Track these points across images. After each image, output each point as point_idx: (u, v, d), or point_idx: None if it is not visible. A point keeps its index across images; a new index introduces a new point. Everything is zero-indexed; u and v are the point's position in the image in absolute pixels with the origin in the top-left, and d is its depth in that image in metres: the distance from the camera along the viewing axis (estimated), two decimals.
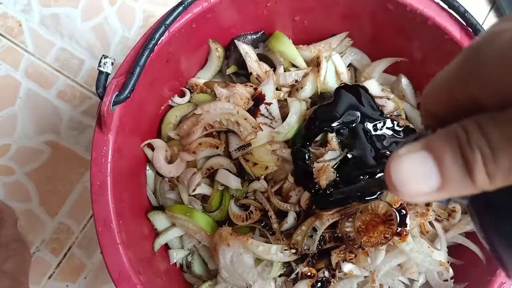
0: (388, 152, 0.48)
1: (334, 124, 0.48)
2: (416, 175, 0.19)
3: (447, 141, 0.18)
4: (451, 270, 0.49)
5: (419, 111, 0.20)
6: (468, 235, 0.51)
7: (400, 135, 0.50)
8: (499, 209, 0.20)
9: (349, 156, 0.47)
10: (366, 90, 0.51)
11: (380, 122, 0.49)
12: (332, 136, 0.48)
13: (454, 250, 0.51)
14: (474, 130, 0.18)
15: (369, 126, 0.49)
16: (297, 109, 0.50)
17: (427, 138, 0.19)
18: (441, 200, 0.20)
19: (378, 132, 0.49)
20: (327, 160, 0.47)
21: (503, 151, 0.17)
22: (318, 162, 0.48)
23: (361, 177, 0.46)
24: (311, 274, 0.48)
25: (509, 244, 0.20)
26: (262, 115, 0.51)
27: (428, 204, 0.48)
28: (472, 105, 0.19)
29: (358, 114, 0.48)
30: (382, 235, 0.45)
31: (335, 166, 0.47)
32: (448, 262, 0.50)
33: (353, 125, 0.48)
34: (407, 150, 0.19)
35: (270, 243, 0.49)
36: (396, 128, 0.50)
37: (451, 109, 0.20)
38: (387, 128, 0.50)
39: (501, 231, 0.20)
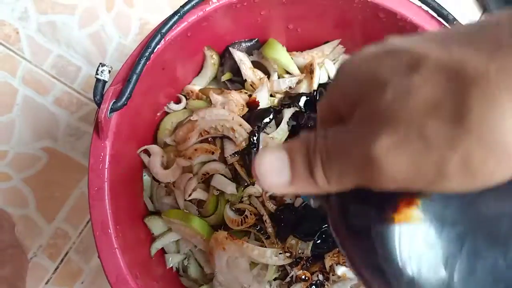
0: None
1: None
2: (272, 169, 0.22)
3: (301, 145, 0.21)
4: None
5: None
6: None
7: None
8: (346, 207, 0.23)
9: None
10: None
11: None
12: None
13: None
14: (320, 138, 0.21)
15: None
16: (290, 115, 0.51)
17: (290, 141, 0.22)
18: (294, 193, 0.22)
19: None
20: None
21: (335, 158, 0.20)
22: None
23: None
24: (305, 277, 0.49)
25: (356, 243, 0.22)
26: None
27: None
28: (338, 116, 0.22)
29: None
30: None
31: None
32: None
33: None
34: (270, 149, 0.23)
35: (265, 247, 0.49)
36: None
37: (330, 120, 0.23)
38: None
39: (349, 225, 0.23)
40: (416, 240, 0.20)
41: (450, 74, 0.17)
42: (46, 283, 0.66)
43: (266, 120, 0.50)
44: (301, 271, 0.48)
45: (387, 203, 0.20)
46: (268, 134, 0.51)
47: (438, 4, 0.47)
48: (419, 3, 0.48)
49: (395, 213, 0.20)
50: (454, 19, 0.47)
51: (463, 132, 0.16)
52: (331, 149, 0.20)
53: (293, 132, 0.51)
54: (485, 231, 0.20)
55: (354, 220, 0.22)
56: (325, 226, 0.48)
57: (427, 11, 0.48)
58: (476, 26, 0.18)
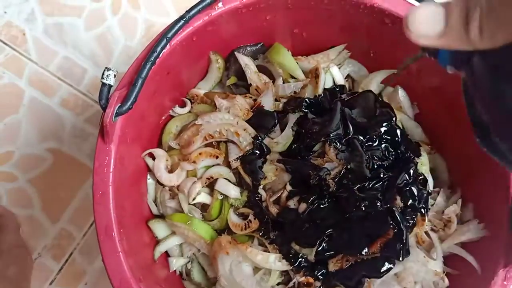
0: (382, 163, 0.49)
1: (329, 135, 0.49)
2: (427, 19, 0.23)
3: (461, 2, 0.22)
4: (446, 280, 0.50)
5: None
6: (464, 245, 0.51)
7: (396, 145, 0.51)
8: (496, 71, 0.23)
9: (348, 167, 0.48)
10: (367, 98, 0.52)
11: (376, 133, 0.50)
12: (329, 147, 0.49)
13: (449, 260, 0.52)
14: None
15: (362, 137, 0.50)
16: (294, 120, 0.51)
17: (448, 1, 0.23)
18: (441, 46, 0.23)
19: (374, 144, 0.50)
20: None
21: (497, 10, 0.20)
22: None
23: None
24: (308, 283, 0.48)
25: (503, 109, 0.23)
26: None
27: (423, 215, 0.49)
28: None
29: (351, 128, 0.49)
30: (378, 245, 0.46)
31: (336, 179, 0.48)
32: (444, 272, 0.50)
33: (348, 138, 0.49)
34: (429, 1, 0.24)
35: (269, 252, 0.49)
36: (394, 138, 0.51)
37: None
38: (384, 138, 0.51)
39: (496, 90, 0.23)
40: None
41: None
42: (50, 283, 0.66)
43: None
44: (304, 277, 0.48)
45: None
46: (272, 139, 0.51)
47: None
48: None
49: None
50: None
51: None
52: (494, 3, 0.20)
53: (297, 137, 0.51)
54: None
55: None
56: (330, 231, 0.48)
57: None
58: None
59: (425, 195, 0.50)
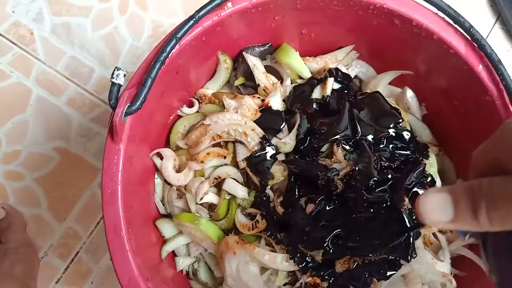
0: (390, 164, 0.49)
1: (336, 137, 0.49)
2: (438, 207, 0.25)
3: (466, 190, 0.25)
4: (454, 282, 0.50)
5: (470, 169, 0.29)
6: (472, 247, 0.51)
7: (404, 146, 0.51)
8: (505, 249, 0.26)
9: (356, 168, 0.48)
10: (375, 99, 0.52)
11: (384, 134, 0.50)
12: (337, 148, 0.49)
13: (457, 261, 0.52)
14: (485, 185, 0.24)
15: (371, 138, 0.50)
16: (302, 121, 0.51)
17: (453, 186, 0.26)
18: (452, 229, 0.26)
19: (382, 145, 0.50)
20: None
21: (501, 203, 0.23)
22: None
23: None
24: (315, 283, 0.48)
25: None
26: None
27: None
28: (499, 168, 0.25)
29: (359, 129, 0.49)
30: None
31: (344, 180, 0.48)
32: (451, 274, 0.50)
33: (356, 139, 0.49)
34: (436, 190, 0.26)
35: (276, 252, 0.49)
36: (402, 139, 0.51)
37: (488, 170, 0.26)
38: (392, 139, 0.51)
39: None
40: None
41: None
42: (57, 282, 0.67)
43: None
44: (311, 277, 0.48)
45: None
46: (280, 139, 0.51)
47: (455, 11, 0.47)
48: (435, 10, 0.48)
49: None
50: (471, 26, 0.47)
51: None
52: (497, 195, 0.23)
53: (305, 138, 0.51)
54: None
55: None
56: (337, 232, 0.48)
57: (443, 18, 0.48)
58: None
59: None
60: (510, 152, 0.24)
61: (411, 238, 0.47)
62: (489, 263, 0.27)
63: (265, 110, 0.52)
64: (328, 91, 0.53)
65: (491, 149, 0.26)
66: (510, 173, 0.24)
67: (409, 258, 0.47)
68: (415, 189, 0.49)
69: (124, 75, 0.43)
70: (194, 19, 0.46)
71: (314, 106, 0.52)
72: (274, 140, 0.52)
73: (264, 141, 0.50)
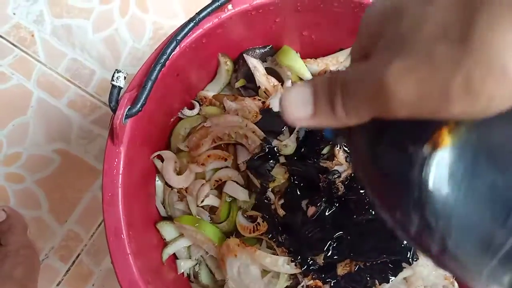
0: None
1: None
2: (297, 101, 0.23)
3: (325, 79, 0.23)
4: (456, 284, 0.50)
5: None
6: None
7: None
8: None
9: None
10: None
11: None
12: (338, 150, 0.49)
13: None
14: (342, 72, 0.22)
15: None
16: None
17: (315, 78, 0.23)
18: (316, 126, 0.24)
19: None
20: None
21: (353, 89, 0.21)
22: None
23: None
24: (317, 286, 0.48)
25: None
26: None
27: None
28: (365, 54, 0.23)
29: None
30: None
31: (346, 182, 0.48)
32: (453, 276, 0.50)
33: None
34: (297, 84, 0.24)
35: (277, 254, 0.49)
36: None
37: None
38: None
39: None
40: (443, 165, 0.21)
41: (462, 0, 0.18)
42: (57, 284, 0.66)
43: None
44: (312, 280, 0.48)
45: (416, 133, 0.21)
46: (281, 141, 0.51)
47: None
48: None
49: (428, 141, 0.21)
50: None
51: (466, 53, 0.17)
52: (350, 80, 0.21)
53: (306, 140, 0.51)
54: (488, 152, 0.21)
55: (384, 161, 0.23)
56: (339, 234, 0.48)
57: None
58: None
59: None
60: (368, 32, 0.22)
61: None
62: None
63: (266, 112, 0.52)
64: None
65: (359, 36, 0.24)
66: (369, 56, 0.22)
67: (411, 261, 0.47)
68: None
69: (125, 77, 0.42)
70: (194, 21, 0.46)
71: None
72: (275, 142, 0.51)
73: (265, 143, 0.50)
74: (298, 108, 0.23)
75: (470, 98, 0.17)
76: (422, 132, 0.21)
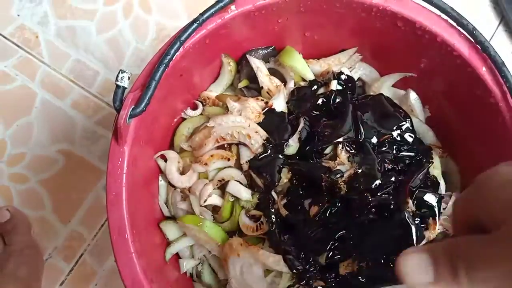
0: (394, 166, 0.49)
1: (340, 140, 0.49)
2: (417, 269, 0.24)
3: (444, 249, 0.24)
4: None
5: (451, 220, 0.29)
6: None
7: (408, 148, 0.51)
8: None
9: (359, 171, 0.48)
10: (379, 101, 0.52)
11: (387, 136, 0.50)
12: (341, 150, 0.49)
13: None
14: (463, 246, 0.23)
15: (374, 141, 0.50)
16: (305, 124, 0.51)
17: (432, 245, 0.25)
18: None
19: (383, 148, 0.50)
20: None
21: (482, 266, 0.22)
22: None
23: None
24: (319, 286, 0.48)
25: None
26: None
27: (435, 218, 0.49)
28: (478, 224, 0.24)
29: (362, 131, 0.49)
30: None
31: (348, 182, 0.48)
32: None
33: (360, 141, 0.49)
34: (415, 250, 0.25)
35: (280, 254, 0.49)
36: (405, 141, 0.51)
37: (469, 223, 0.26)
38: (395, 141, 0.51)
39: None
40: None
41: None
42: (61, 284, 0.67)
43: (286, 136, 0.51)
44: (316, 281, 0.48)
45: None
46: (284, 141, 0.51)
47: (458, 13, 0.47)
48: (438, 12, 0.48)
49: None
50: (474, 28, 0.47)
51: None
52: (475, 257, 0.23)
53: (309, 140, 0.51)
54: None
55: None
56: (341, 233, 0.48)
57: (446, 20, 0.48)
58: None
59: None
60: (486, 210, 0.24)
61: (415, 240, 0.47)
62: None
63: (269, 112, 0.53)
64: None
65: (469, 205, 0.26)
66: (488, 231, 0.23)
67: None
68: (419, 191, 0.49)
69: (129, 77, 0.43)
70: (197, 22, 0.46)
71: (317, 108, 0.52)
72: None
73: (268, 144, 0.50)
74: (420, 275, 0.24)
75: None
76: None
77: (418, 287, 0.25)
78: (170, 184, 0.54)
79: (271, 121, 0.52)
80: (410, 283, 0.25)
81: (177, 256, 0.56)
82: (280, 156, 0.51)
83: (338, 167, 0.49)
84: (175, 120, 0.56)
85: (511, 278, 0.21)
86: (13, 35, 0.74)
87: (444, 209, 0.52)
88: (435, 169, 0.53)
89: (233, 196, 0.52)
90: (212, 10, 0.46)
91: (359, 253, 0.48)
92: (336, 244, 0.49)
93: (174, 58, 0.46)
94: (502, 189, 0.23)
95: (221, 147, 0.53)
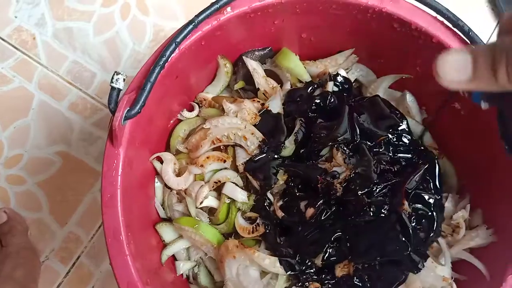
0: (390, 168, 0.49)
1: (336, 141, 0.49)
2: (456, 66, 0.25)
3: (487, 47, 0.24)
4: (454, 286, 0.49)
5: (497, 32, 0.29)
6: (472, 251, 0.51)
7: (404, 150, 0.51)
8: None
9: (355, 172, 0.48)
10: (375, 103, 0.52)
11: (383, 137, 0.50)
12: (337, 151, 0.49)
13: (458, 265, 0.51)
14: (508, 40, 0.23)
15: (370, 142, 0.50)
16: (301, 125, 0.51)
17: (474, 45, 0.25)
18: (471, 89, 0.26)
19: (379, 150, 0.50)
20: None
21: None
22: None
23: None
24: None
25: None
26: None
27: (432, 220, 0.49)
28: None
29: (358, 133, 0.49)
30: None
31: (344, 184, 0.48)
32: (452, 278, 0.50)
33: (356, 142, 0.49)
34: (455, 49, 0.26)
35: (276, 256, 0.49)
36: (401, 142, 0.51)
37: None
38: (391, 143, 0.51)
39: None
40: None
41: None
42: (58, 286, 0.67)
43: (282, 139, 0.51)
44: (312, 282, 0.48)
45: None
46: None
47: (454, 15, 0.47)
48: (434, 14, 0.48)
49: None
50: (470, 29, 0.47)
51: None
52: None
53: (305, 142, 0.51)
54: None
55: None
56: (337, 235, 0.48)
57: (442, 22, 0.48)
58: None
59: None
60: None
61: (411, 242, 0.47)
62: (505, 129, 0.27)
63: (265, 114, 0.53)
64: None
65: None
66: None
67: (419, 267, 0.46)
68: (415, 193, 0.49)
69: (124, 79, 0.43)
70: (193, 24, 0.46)
71: (313, 110, 0.52)
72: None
73: (264, 145, 0.50)
74: (458, 72, 0.25)
75: None
76: None
77: (455, 84, 0.25)
78: (166, 186, 0.54)
79: (267, 123, 0.52)
80: (448, 82, 0.25)
81: (173, 258, 0.56)
82: (276, 157, 0.51)
83: (334, 169, 0.49)
84: (171, 121, 0.56)
85: None
86: (11, 37, 0.74)
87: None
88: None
89: (229, 198, 0.52)
90: (208, 12, 0.46)
91: (355, 255, 0.48)
92: (332, 246, 0.49)
93: (169, 59, 0.46)
94: None
95: (217, 148, 0.53)
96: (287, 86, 0.56)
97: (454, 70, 0.25)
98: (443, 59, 0.25)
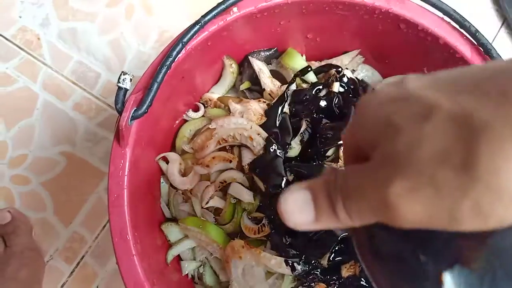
0: None
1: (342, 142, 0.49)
2: (297, 207, 0.22)
3: (323, 183, 0.22)
4: None
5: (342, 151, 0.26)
6: None
7: None
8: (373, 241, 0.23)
9: None
10: None
11: None
12: (343, 152, 0.49)
13: None
14: (340, 176, 0.21)
15: None
16: (307, 126, 0.51)
17: (312, 180, 0.23)
18: (320, 229, 0.23)
19: None
20: None
21: (354, 197, 0.20)
22: None
23: None
24: None
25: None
26: None
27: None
28: (361, 153, 0.22)
29: None
30: None
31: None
32: None
33: None
34: (294, 188, 0.23)
35: (282, 256, 0.49)
36: None
37: (352, 154, 0.24)
38: None
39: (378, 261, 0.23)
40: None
41: (459, 124, 0.17)
42: (62, 286, 0.67)
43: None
44: (318, 283, 0.48)
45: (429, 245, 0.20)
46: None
47: (460, 16, 0.47)
48: (441, 15, 0.48)
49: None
50: (476, 30, 0.47)
51: (472, 180, 0.17)
52: (350, 187, 0.21)
53: (311, 142, 0.51)
54: (504, 264, 0.20)
55: (382, 246, 0.22)
56: (344, 234, 0.48)
57: (448, 23, 0.48)
58: (484, 72, 0.19)
59: None
60: (364, 136, 0.22)
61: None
62: (359, 258, 0.24)
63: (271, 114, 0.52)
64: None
65: (351, 133, 0.24)
66: (367, 158, 0.21)
67: None
68: None
69: (131, 79, 0.43)
70: (199, 24, 0.46)
71: (319, 110, 0.52)
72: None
73: (269, 146, 0.50)
74: (300, 214, 0.22)
75: (480, 220, 0.17)
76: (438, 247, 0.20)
77: (301, 226, 0.23)
78: (171, 186, 0.54)
79: (273, 123, 0.52)
80: (294, 225, 0.23)
81: (178, 258, 0.56)
82: (282, 158, 0.51)
83: (340, 169, 0.49)
84: (177, 122, 0.56)
85: (380, 208, 0.19)
86: (15, 37, 0.74)
87: None
88: None
89: (235, 198, 0.52)
90: (214, 12, 0.46)
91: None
92: (338, 246, 0.49)
93: (176, 60, 0.46)
94: (379, 110, 0.21)
95: (223, 149, 0.53)
96: (293, 87, 0.56)
97: (297, 212, 0.22)
98: (285, 198, 0.23)
